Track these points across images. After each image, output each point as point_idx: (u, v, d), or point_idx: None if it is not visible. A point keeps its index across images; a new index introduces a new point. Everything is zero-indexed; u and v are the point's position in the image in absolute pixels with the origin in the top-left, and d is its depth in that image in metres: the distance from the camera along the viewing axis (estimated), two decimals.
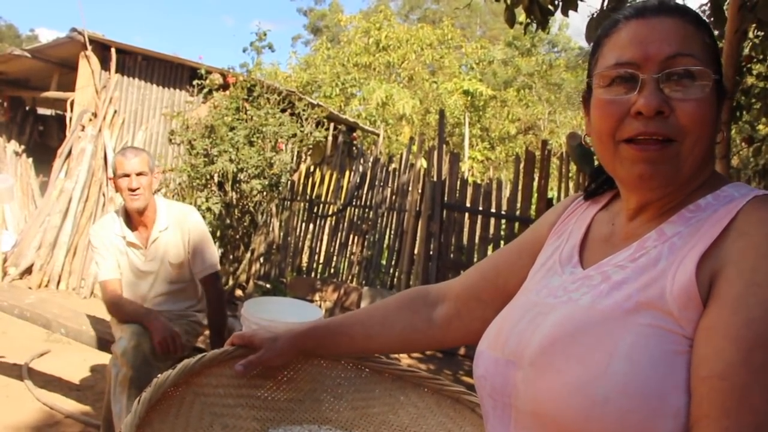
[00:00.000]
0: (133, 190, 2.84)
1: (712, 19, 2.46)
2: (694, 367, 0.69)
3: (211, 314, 3.01)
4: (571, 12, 2.94)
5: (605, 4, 2.60)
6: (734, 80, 2.79)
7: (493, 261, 1.14)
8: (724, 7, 2.38)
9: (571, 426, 0.72)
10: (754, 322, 0.66)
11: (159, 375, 1.02)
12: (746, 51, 3.87)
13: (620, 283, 0.79)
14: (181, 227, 2.99)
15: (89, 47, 7.43)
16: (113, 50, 7.55)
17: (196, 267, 3.01)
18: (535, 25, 3.15)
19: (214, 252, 3.06)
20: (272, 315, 3.01)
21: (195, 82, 7.52)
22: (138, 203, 2.87)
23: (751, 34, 3.77)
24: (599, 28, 0.91)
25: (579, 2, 2.81)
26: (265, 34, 11.68)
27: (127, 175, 2.83)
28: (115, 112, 7.54)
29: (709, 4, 2.81)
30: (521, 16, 3.40)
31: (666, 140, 0.78)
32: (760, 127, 4.96)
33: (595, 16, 2.44)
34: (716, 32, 2.62)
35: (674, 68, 0.79)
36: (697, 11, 0.86)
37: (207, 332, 3.16)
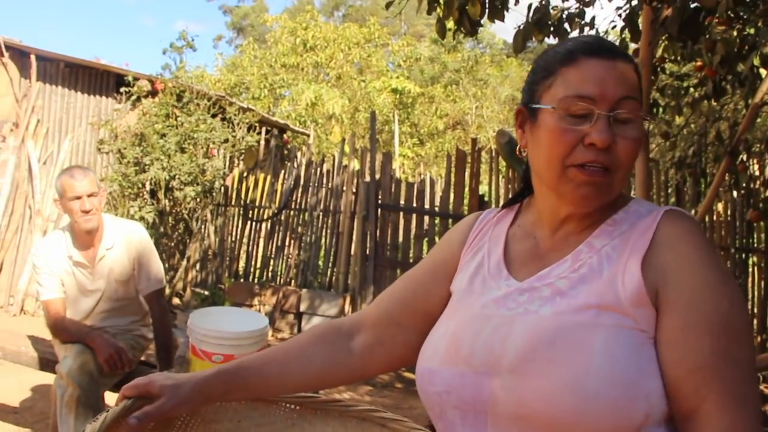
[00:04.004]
0: (87, 212, 2.80)
1: (627, 31, 2.65)
2: (672, 365, 0.84)
3: (157, 329, 3.00)
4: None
5: (530, 15, 2.75)
6: (650, 81, 2.99)
7: (406, 285, 1.17)
8: (639, 21, 2.58)
9: (563, 421, 0.82)
10: (711, 316, 0.84)
11: None
12: (659, 52, 4.12)
13: (574, 294, 0.91)
14: (128, 244, 2.97)
15: (6, 54, 7.15)
16: (33, 57, 7.30)
17: (141, 284, 3.00)
18: (463, 33, 3.27)
19: (159, 268, 3.05)
20: (218, 325, 3.03)
21: (122, 90, 7.36)
22: (92, 224, 2.84)
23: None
24: (548, 53, 1.00)
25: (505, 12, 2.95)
26: (189, 37, 11.50)
27: (79, 197, 2.79)
28: (38, 121, 7.29)
29: (624, 19, 3.01)
30: (449, 22, 3.53)
31: (606, 169, 0.92)
32: (678, 119, 5.27)
33: (521, 27, 2.58)
34: (633, 44, 2.83)
35: (623, 109, 0.92)
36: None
37: (152, 346, 3.17)
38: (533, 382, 0.86)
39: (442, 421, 0.97)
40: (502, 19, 2.79)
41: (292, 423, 1.23)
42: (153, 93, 7.32)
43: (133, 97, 7.30)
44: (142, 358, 3.27)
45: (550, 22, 2.84)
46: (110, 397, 2.99)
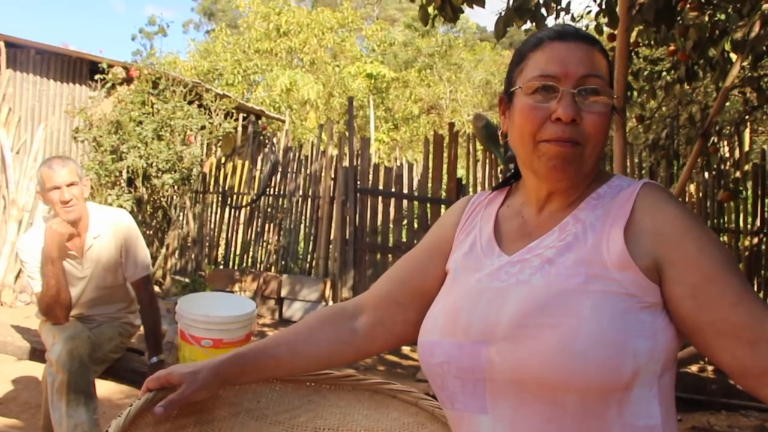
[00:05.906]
0: (66, 202, 2.74)
1: (606, 18, 2.71)
2: (710, 309, 0.90)
3: (145, 315, 3.01)
4: None
5: (511, 2, 2.80)
6: (627, 67, 3.06)
7: (404, 267, 1.23)
8: (616, 9, 2.65)
9: (556, 381, 0.88)
10: (720, 260, 0.91)
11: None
12: (633, 37, 4.21)
13: (562, 261, 0.97)
14: (115, 232, 2.96)
15: None
16: (2, 44, 7.17)
17: (128, 271, 3.00)
18: (444, 19, 3.31)
19: (146, 255, 3.06)
20: (206, 310, 3.06)
21: (97, 77, 7.28)
22: (73, 215, 2.78)
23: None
24: (522, 44, 1.07)
25: None
26: (160, 22, 11.34)
27: (58, 188, 2.74)
28: (10, 109, 7.19)
29: (600, 4, 3.08)
30: (431, 8, 3.56)
31: (575, 142, 0.97)
32: (652, 102, 5.38)
33: (502, 14, 2.63)
34: (610, 30, 2.90)
35: (587, 86, 0.98)
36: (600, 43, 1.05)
37: (138, 333, 3.19)
38: (526, 346, 0.91)
39: (444, 392, 1.02)
40: (482, 6, 2.83)
41: (308, 399, 1.30)
42: (128, 80, 7.25)
43: (108, 85, 7.23)
44: (131, 346, 3.29)
45: (528, 8, 2.89)
46: (100, 385, 3.02)
